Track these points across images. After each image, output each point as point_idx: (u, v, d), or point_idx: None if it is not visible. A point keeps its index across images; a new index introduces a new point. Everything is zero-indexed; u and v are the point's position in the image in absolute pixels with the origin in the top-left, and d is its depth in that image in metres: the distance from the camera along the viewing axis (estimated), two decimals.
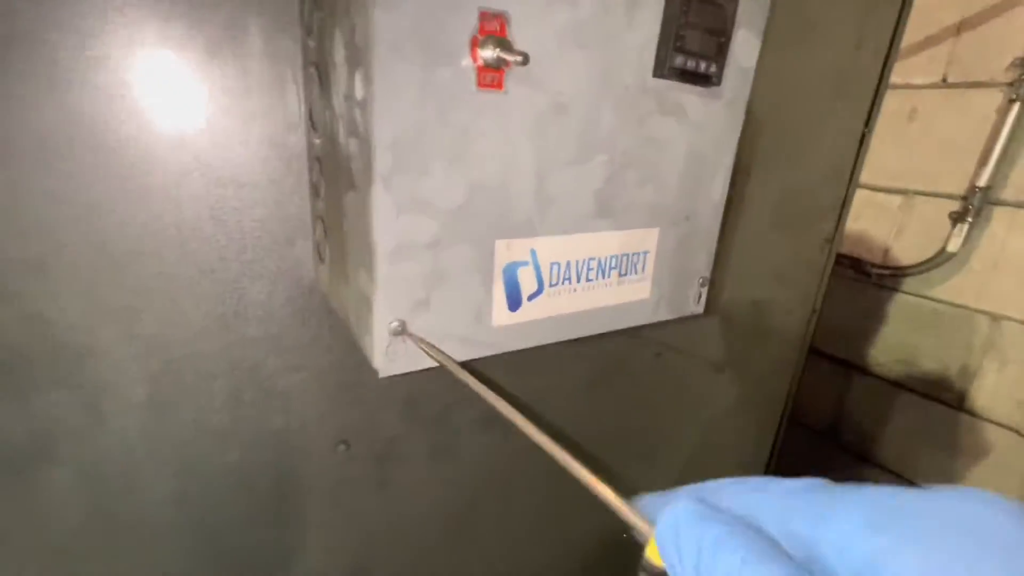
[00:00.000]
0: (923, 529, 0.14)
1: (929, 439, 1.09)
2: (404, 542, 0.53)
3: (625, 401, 0.63)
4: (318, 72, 0.31)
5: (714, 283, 0.56)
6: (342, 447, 0.46)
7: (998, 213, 0.97)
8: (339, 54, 0.26)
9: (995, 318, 0.98)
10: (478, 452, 0.54)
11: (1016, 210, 0.94)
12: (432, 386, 0.49)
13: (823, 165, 0.72)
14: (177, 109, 0.31)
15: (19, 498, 0.34)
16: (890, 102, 1.08)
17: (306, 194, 0.37)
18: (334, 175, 0.30)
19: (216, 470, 0.41)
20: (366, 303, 0.27)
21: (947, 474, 1.07)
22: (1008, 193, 0.95)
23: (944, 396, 1.06)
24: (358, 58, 0.23)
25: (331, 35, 0.27)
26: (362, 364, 0.45)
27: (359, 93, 0.24)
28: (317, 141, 0.33)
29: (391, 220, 0.24)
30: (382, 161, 0.23)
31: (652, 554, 0.18)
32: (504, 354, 0.41)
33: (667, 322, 0.60)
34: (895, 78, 1.07)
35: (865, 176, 1.14)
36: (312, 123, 0.34)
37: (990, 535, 0.14)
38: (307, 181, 0.37)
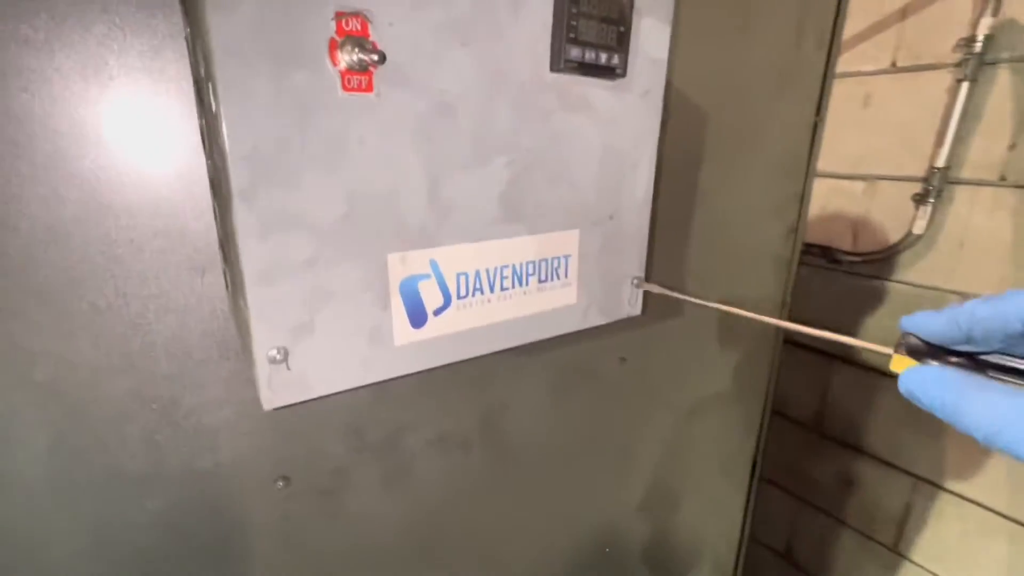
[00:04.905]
0: None
1: (913, 423, 1.07)
2: (361, 574, 0.50)
3: (594, 409, 0.61)
4: (197, 89, 0.29)
5: (675, 285, 0.54)
6: (281, 483, 0.44)
7: (959, 192, 0.97)
8: (202, 67, 0.24)
9: (966, 297, 0.98)
10: (438, 474, 0.52)
11: (976, 188, 0.94)
12: (379, 410, 0.47)
13: (778, 156, 0.72)
14: (62, 127, 0.29)
15: None
16: (844, 90, 1.09)
17: (211, 220, 0.36)
18: (218, 196, 0.28)
19: (139, 517, 0.38)
20: (248, 330, 0.25)
21: (934, 459, 1.05)
22: (966, 172, 0.95)
23: None
24: (209, 68, 0.22)
25: (196, 48, 0.26)
26: None
27: (213, 105, 0.22)
28: (208, 162, 0.31)
29: (256, 239, 0.22)
30: (238, 176, 0.21)
31: (896, 366, 0.25)
32: (457, 368, 0.38)
33: (627, 327, 0.59)
34: (846, 66, 1.08)
35: (828, 164, 1.14)
36: (204, 143, 0.32)
37: None
38: (211, 207, 0.35)
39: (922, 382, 0.23)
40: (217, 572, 0.43)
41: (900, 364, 0.25)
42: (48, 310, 0.32)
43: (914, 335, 0.25)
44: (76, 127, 0.30)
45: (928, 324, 0.24)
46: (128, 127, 0.31)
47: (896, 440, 1.11)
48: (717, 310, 0.25)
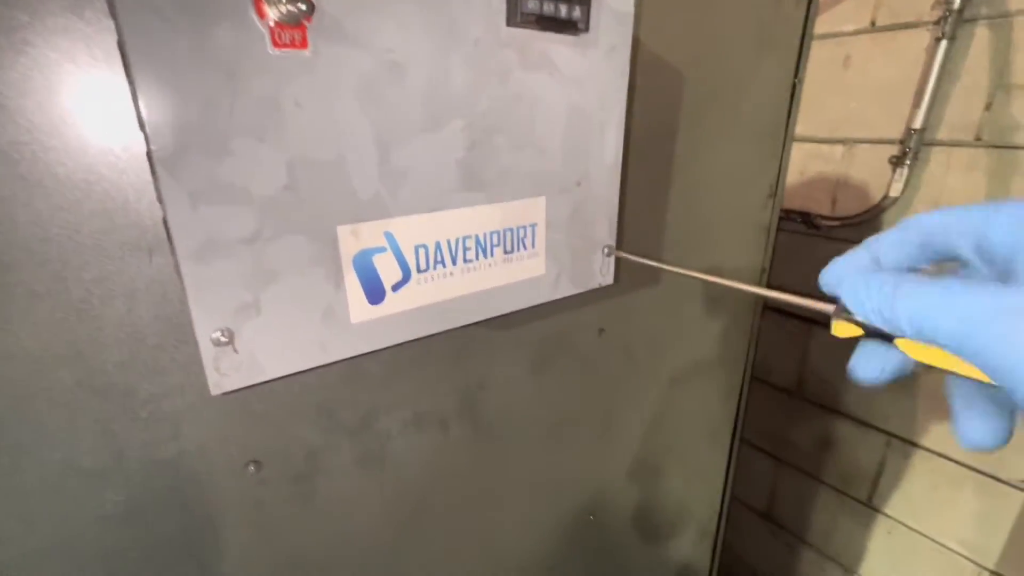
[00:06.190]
0: None
1: (891, 385, 1.10)
2: (342, 559, 0.50)
3: (575, 381, 0.61)
4: (122, 54, 0.27)
5: (651, 254, 0.53)
6: (252, 468, 0.43)
7: (935, 154, 0.97)
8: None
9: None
10: (416, 454, 0.51)
11: (952, 149, 0.94)
12: (351, 390, 0.46)
13: (756, 118, 0.70)
14: None
15: None
16: (824, 52, 1.07)
17: (155, 198, 0.33)
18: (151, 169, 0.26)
19: (100, 513, 0.37)
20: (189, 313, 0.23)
21: (907, 417, 1.08)
22: (943, 133, 0.95)
23: None
24: (116, 22, 0.20)
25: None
26: None
27: (126, 65, 0.20)
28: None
29: (187, 212, 0.21)
30: (158, 143, 0.20)
31: (837, 332, 0.23)
32: (429, 344, 0.36)
33: (604, 297, 0.58)
34: (825, 27, 1.06)
35: (808, 128, 1.13)
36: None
37: None
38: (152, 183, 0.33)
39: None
40: (190, 562, 0.42)
41: (842, 330, 0.23)
42: None
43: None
44: None
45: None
46: (50, 96, 0.28)
47: (871, 400, 1.14)
48: (691, 277, 0.24)
